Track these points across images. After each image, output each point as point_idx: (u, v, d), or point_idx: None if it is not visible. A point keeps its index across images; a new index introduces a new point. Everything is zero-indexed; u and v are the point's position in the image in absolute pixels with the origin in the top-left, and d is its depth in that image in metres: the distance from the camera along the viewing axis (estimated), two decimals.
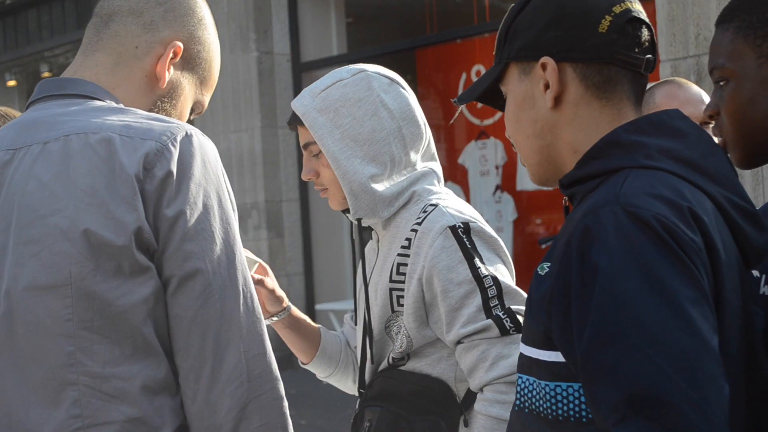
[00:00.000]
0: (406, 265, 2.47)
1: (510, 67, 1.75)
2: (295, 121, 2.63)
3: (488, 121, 9.62)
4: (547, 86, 1.68)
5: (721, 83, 1.87)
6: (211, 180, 1.85)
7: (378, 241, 2.64)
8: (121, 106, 1.95)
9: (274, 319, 2.74)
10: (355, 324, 2.75)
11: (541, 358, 1.55)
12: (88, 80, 1.98)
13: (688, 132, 1.63)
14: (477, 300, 2.36)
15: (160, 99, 2.02)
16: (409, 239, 2.48)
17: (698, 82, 6.66)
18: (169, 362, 1.83)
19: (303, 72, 10.71)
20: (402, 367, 2.51)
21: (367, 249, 2.73)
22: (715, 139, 1.87)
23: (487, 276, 2.37)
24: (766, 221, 1.67)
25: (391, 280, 2.50)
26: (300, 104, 2.58)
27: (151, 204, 1.78)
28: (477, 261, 2.39)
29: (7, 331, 1.79)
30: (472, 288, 2.37)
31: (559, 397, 1.53)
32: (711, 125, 2.77)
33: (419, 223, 2.47)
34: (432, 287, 2.41)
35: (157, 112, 2.01)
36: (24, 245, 1.79)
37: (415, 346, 2.47)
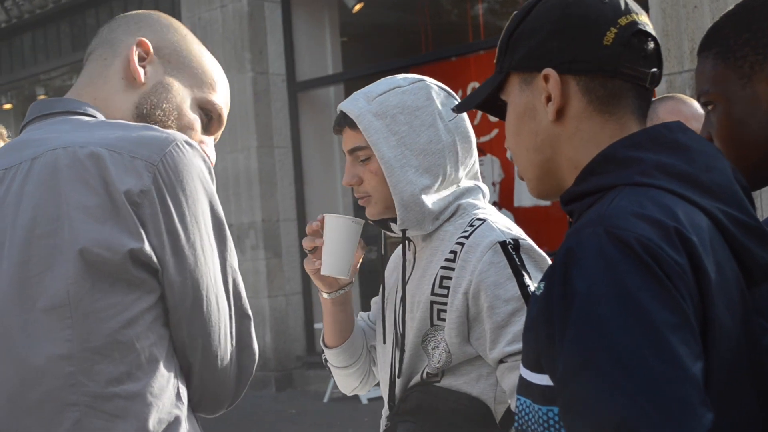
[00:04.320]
0: (450, 278, 2.41)
1: (511, 76, 1.70)
2: (344, 123, 2.51)
3: (485, 138, 9.63)
4: (549, 99, 1.63)
5: (709, 108, 1.87)
6: (202, 189, 1.86)
7: (415, 252, 2.57)
8: (108, 120, 1.97)
9: (340, 292, 2.66)
10: (372, 330, 2.74)
11: (533, 381, 1.51)
12: (71, 98, 2.02)
13: (689, 145, 1.58)
14: (524, 318, 2.31)
15: (146, 96, 2.03)
16: (454, 252, 2.42)
17: (693, 97, 6.67)
18: (178, 361, 1.86)
19: (298, 92, 10.73)
20: (437, 384, 2.44)
21: (393, 261, 2.68)
22: None
23: None
24: None
25: (432, 293, 2.43)
26: (354, 106, 2.48)
27: (147, 222, 1.77)
28: (526, 279, 2.32)
29: (5, 352, 1.78)
30: (519, 306, 2.30)
31: (551, 422, 1.48)
32: None
33: (466, 237, 2.41)
34: (478, 302, 2.34)
35: (147, 107, 2.03)
36: (19, 266, 1.78)
37: (454, 362, 2.40)
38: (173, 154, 1.82)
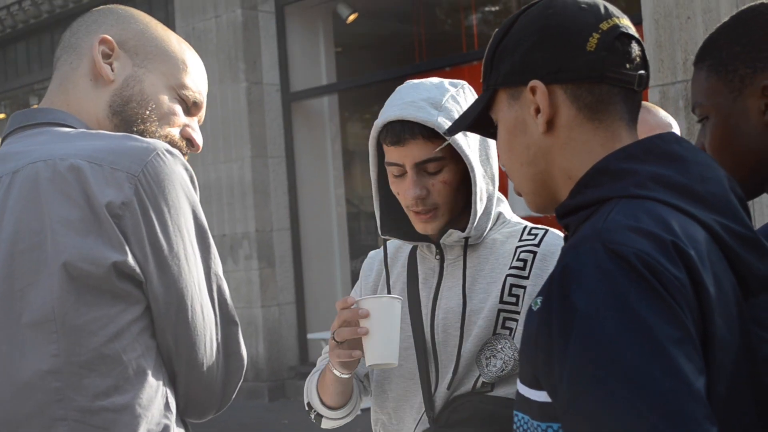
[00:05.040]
0: (522, 287, 2.37)
1: (498, 93, 1.68)
2: (417, 134, 2.36)
3: None
4: (537, 110, 1.61)
5: (703, 121, 1.89)
6: (185, 197, 1.85)
7: (442, 262, 2.51)
8: (86, 128, 1.95)
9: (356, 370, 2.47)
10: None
11: (531, 397, 1.50)
12: (48, 107, 2.00)
13: (683, 155, 1.57)
14: None
15: (117, 93, 2.01)
16: (523, 261, 2.39)
17: (687, 108, 6.69)
18: (165, 371, 1.86)
19: (292, 102, 10.73)
20: (489, 393, 2.37)
21: (400, 270, 2.60)
22: None
23: None
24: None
25: (501, 302, 2.38)
26: (428, 116, 2.34)
27: (129, 234, 1.77)
28: None
29: None
30: None
31: None
32: None
33: (536, 245, 2.39)
34: None
35: (119, 103, 2.01)
36: (2, 281, 1.77)
37: (513, 371, 2.34)
38: (154, 164, 1.80)
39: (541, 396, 1.48)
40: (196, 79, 2.10)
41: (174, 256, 1.81)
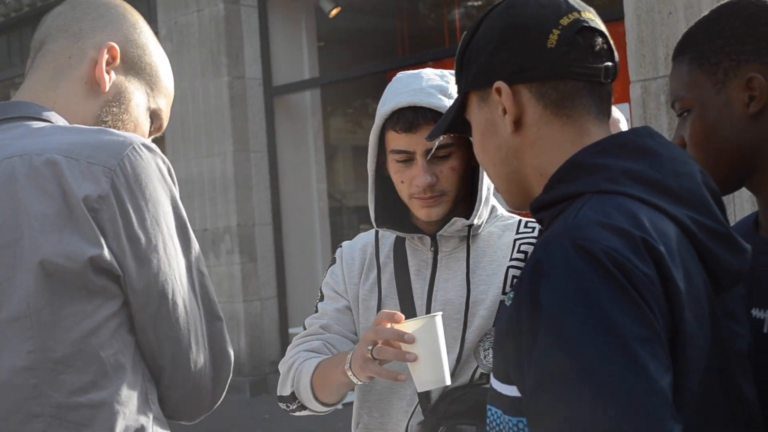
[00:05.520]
0: None
1: (470, 96, 1.71)
2: (429, 120, 2.36)
3: None
4: (505, 111, 1.63)
5: (684, 114, 1.88)
6: (163, 191, 1.83)
7: (436, 253, 2.51)
8: (64, 123, 1.92)
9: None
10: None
11: (503, 392, 1.51)
12: (29, 101, 1.95)
13: (657, 150, 1.58)
14: None
15: (108, 105, 1.98)
16: (525, 252, 2.41)
17: (668, 103, 6.70)
18: (145, 367, 1.84)
19: (275, 96, 10.71)
20: (486, 385, 2.36)
21: (384, 261, 2.59)
22: None
23: None
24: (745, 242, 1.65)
25: (504, 293, 2.38)
26: (440, 103, 2.35)
27: (106, 228, 1.75)
28: None
29: None
30: None
31: None
32: None
33: (536, 237, 2.39)
34: None
35: (109, 119, 1.99)
36: None
37: None
38: (131, 158, 1.79)
39: (512, 391, 1.49)
40: (169, 104, 2.10)
41: (153, 250, 1.79)
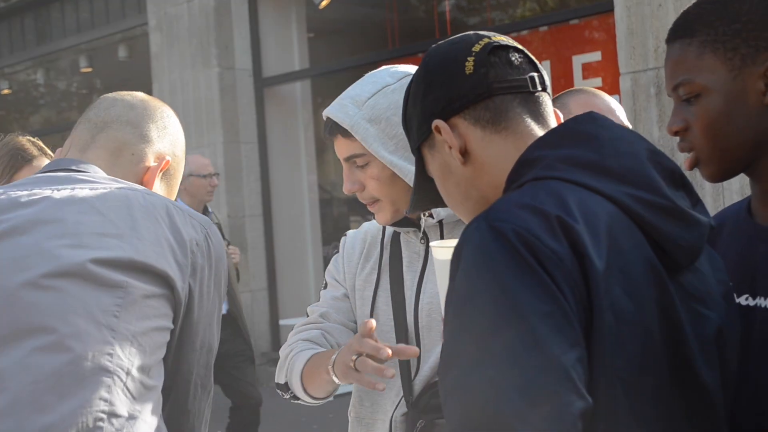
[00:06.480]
0: None
1: (423, 152, 1.77)
2: (336, 131, 2.40)
3: None
4: (450, 146, 1.69)
5: (690, 99, 1.82)
6: (222, 266, 2.13)
7: (428, 244, 2.48)
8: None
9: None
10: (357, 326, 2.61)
11: None
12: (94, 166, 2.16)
13: (596, 134, 1.60)
14: None
15: None
16: None
17: (658, 95, 6.72)
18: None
19: (265, 87, 10.70)
20: None
21: (389, 257, 2.57)
22: (684, 155, 1.86)
23: None
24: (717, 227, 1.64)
25: None
26: (344, 115, 2.36)
27: (193, 275, 2.03)
28: None
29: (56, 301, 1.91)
30: None
31: None
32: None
33: None
34: None
35: None
36: (95, 236, 1.95)
37: None
38: (213, 229, 2.13)
39: None
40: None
41: (204, 308, 2.09)
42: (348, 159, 2.41)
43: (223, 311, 6.24)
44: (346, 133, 2.38)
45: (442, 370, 1.43)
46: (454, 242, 2.01)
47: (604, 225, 1.48)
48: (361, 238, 2.65)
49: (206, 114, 10.39)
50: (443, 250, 2.01)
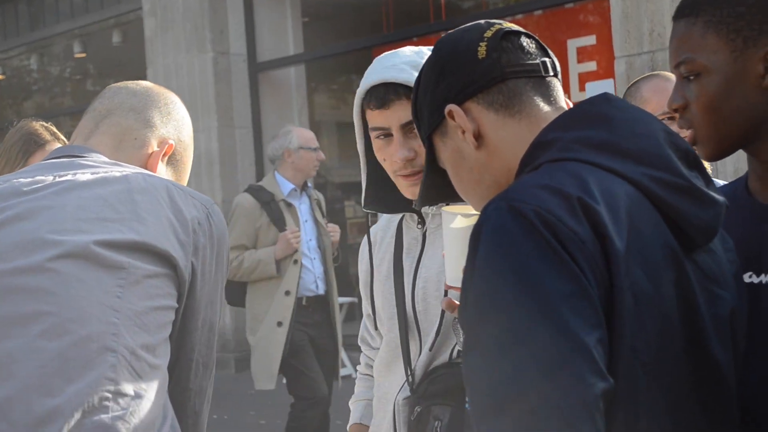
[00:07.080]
0: None
1: (434, 140, 1.77)
2: (399, 95, 2.35)
3: None
4: (464, 131, 1.69)
5: (691, 77, 1.84)
6: (224, 245, 2.15)
7: (425, 231, 2.50)
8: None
9: None
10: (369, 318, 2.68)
11: None
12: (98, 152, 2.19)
13: (611, 115, 1.61)
14: None
15: None
16: None
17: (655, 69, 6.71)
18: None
19: (259, 72, 10.69)
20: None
21: (389, 242, 2.60)
22: (683, 133, 1.86)
23: None
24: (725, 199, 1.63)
25: None
26: (410, 77, 2.32)
27: (195, 254, 2.05)
28: None
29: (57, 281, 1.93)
30: None
31: None
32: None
33: None
34: None
35: None
36: (96, 221, 1.98)
37: None
38: (215, 209, 2.14)
39: None
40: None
41: (206, 291, 2.11)
42: (408, 124, 2.36)
43: (320, 292, 6.21)
44: (410, 96, 2.35)
45: (465, 351, 1.44)
46: (466, 209, 2.03)
47: (623, 206, 1.48)
48: (382, 227, 2.69)
49: (201, 99, 10.38)
50: (455, 218, 2.03)
